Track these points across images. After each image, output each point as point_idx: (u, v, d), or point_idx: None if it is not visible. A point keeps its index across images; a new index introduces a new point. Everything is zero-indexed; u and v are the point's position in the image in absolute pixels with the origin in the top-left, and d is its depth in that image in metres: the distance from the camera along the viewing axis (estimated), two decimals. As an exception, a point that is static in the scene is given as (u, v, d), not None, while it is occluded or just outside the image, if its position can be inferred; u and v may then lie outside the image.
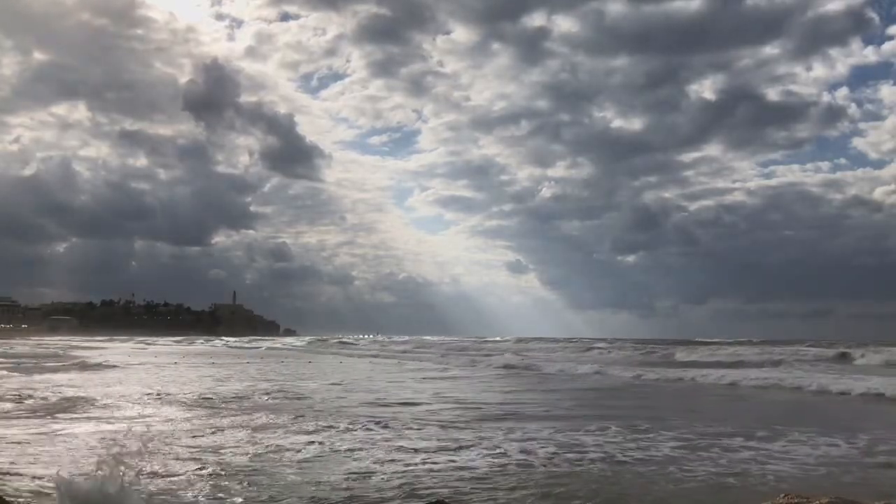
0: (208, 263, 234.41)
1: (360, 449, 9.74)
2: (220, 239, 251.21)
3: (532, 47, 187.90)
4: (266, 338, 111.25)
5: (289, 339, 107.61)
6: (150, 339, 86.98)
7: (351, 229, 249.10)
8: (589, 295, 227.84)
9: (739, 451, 9.88)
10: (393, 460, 9.03)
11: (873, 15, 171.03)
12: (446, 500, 6.86)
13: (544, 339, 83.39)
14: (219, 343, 77.54)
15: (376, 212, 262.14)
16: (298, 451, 9.51)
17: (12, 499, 6.67)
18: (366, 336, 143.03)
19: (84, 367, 28.99)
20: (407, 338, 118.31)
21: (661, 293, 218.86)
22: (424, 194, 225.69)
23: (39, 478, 7.52)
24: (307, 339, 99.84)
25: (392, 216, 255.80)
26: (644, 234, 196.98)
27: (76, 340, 78.17)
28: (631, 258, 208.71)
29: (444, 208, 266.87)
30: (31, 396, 15.71)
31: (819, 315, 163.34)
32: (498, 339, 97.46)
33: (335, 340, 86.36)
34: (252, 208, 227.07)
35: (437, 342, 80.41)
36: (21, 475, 7.68)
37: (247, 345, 73.24)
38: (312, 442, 10.17)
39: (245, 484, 7.60)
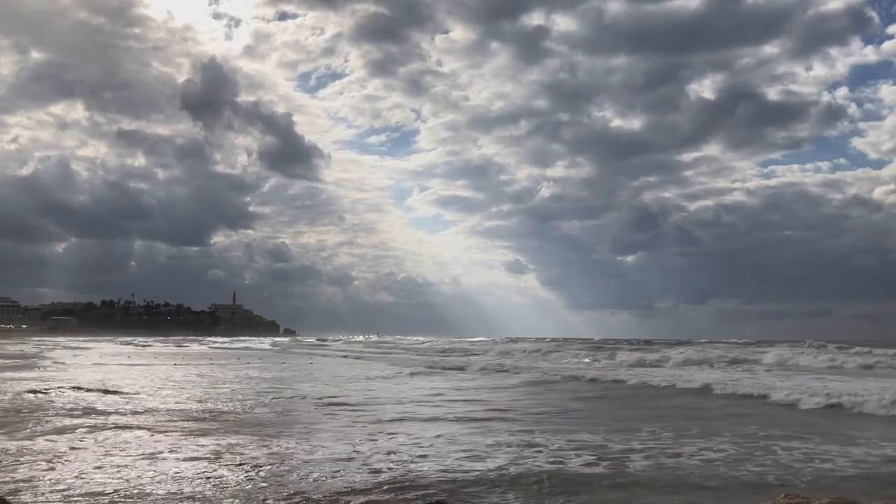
0: (207, 263, 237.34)
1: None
2: (219, 239, 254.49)
3: (531, 46, 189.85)
4: (253, 338, 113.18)
5: (276, 339, 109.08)
6: (138, 340, 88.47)
7: (350, 229, 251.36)
8: (588, 295, 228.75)
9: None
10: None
11: (873, 14, 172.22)
12: (446, 501, 7.04)
13: (531, 340, 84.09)
14: (198, 344, 78.40)
15: (375, 212, 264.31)
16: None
17: (12, 499, 7.00)
18: (363, 336, 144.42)
19: (29, 367, 29.84)
20: (397, 337, 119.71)
21: (660, 293, 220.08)
22: (423, 194, 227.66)
23: None
24: (287, 339, 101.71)
25: (391, 216, 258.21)
26: (643, 235, 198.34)
27: (65, 341, 79.60)
28: (630, 258, 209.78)
29: (443, 208, 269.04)
30: None
31: (819, 315, 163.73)
32: (484, 338, 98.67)
33: (311, 341, 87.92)
34: (251, 208, 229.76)
35: (416, 342, 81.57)
36: None
37: (229, 345, 74.58)
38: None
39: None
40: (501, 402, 16.97)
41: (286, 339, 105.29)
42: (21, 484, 7.65)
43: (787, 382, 20.24)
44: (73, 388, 18.47)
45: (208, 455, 9.42)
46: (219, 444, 10.22)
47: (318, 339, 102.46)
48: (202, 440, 10.59)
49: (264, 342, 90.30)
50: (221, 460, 9.11)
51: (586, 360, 36.92)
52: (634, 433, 11.58)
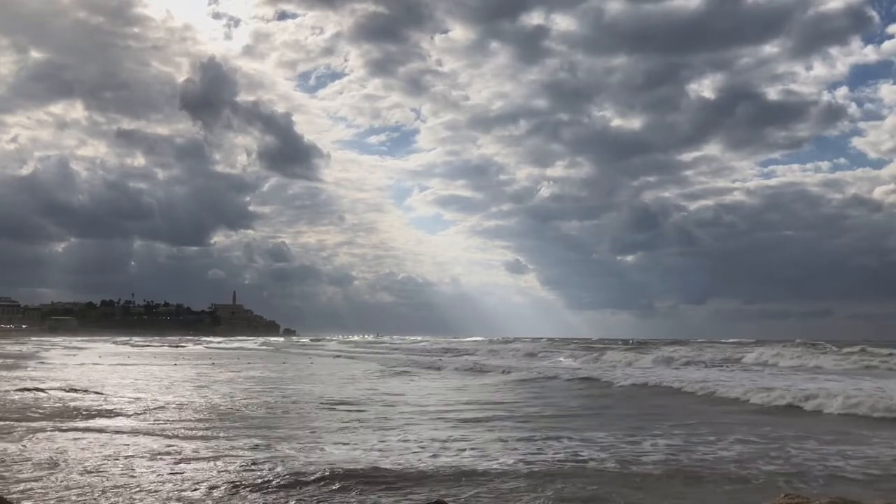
0: (207, 263, 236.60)
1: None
2: (218, 239, 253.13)
3: (530, 46, 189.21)
4: (250, 338, 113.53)
5: (270, 339, 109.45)
6: (133, 340, 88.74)
7: (350, 229, 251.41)
8: (588, 295, 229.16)
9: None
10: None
11: (873, 13, 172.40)
12: (446, 501, 6.96)
13: (527, 340, 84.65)
14: (193, 344, 78.53)
15: (375, 212, 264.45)
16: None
17: (12, 498, 6.89)
18: (358, 336, 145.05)
19: (24, 367, 30.06)
20: (395, 337, 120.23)
21: (660, 293, 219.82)
22: (423, 194, 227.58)
23: None
24: (281, 339, 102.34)
25: (391, 216, 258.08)
26: (643, 234, 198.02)
27: (62, 341, 79.81)
28: (630, 258, 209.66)
29: (443, 208, 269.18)
30: None
31: (819, 315, 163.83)
32: (479, 338, 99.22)
33: (304, 341, 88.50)
34: (251, 208, 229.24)
35: (411, 342, 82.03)
36: None
37: (225, 346, 75.03)
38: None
39: None
40: (493, 401, 17.38)
41: (280, 339, 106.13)
42: (19, 484, 7.73)
43: (765, 382, 20.44)
44: (68, 388, 18.58)
45: (207, 456, 9.51)
46: (216, 445, 10.30)
47: (311, 339, 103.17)
48: (198, 442, 10.68)
49: (258, 342, 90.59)
50: (218, 460, 9.22)
51: (570, 360, 37.34)
52: (597, 429, 11.81)
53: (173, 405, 15.58)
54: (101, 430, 11.61)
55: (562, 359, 37.85)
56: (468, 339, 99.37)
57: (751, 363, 31.10)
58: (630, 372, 26.58)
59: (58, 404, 15.11)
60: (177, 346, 67.54)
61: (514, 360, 38.24)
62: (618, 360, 35.63)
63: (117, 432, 11.52)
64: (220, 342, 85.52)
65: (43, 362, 33.92)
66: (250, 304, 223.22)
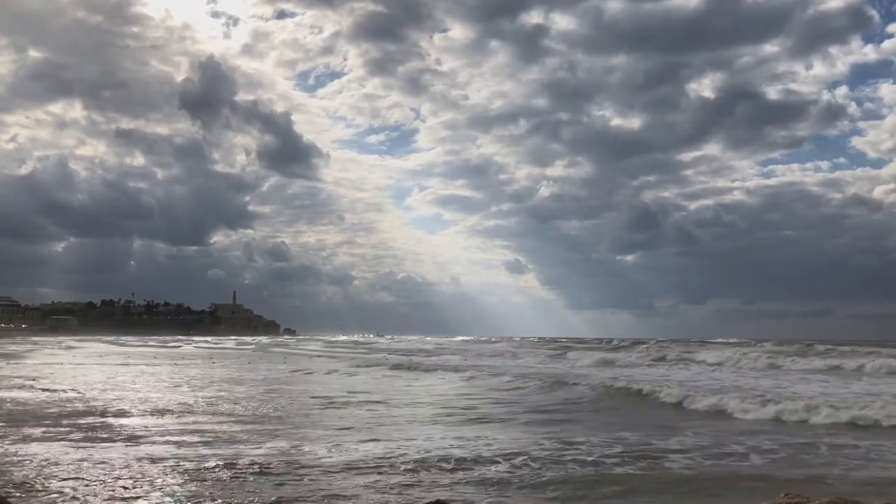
0: (207, 263, 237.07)
1: None
2: (218, 238, 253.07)
3: (530, 45, 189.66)
4: (238, 337, 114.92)
5: (259, 339, 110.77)
6: (122, 339, 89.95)
7: (350, 229, 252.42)
8: (588, 295, 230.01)
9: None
10: None
11: (873, 13, 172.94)
12: (447, 501, 7.00)
13: (516, 340, 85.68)
14: (184, 344, 79.37)
15: (375, 211, 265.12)
16: None
17: (12, 499, 6.94)
18: (346, 336, 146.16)
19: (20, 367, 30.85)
20: (389, 337, 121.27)
21: (660, 293, 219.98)
22: (423, 194, 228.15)
23: None
24: (270, 338, 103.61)
25: (391, 216, 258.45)
26: (643, 234, 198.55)
27: (52, 340, 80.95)
28: (630, 258, 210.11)
29: (442, 208, 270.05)
30: None
31: (819, 315, 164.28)
32: (467, 338, 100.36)
33: (293, 341, 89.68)
34: (250, 208, 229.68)
35: (397, 341, 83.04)
36: None
37: (217, 345, 76.19)
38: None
39: None
40: (479, 401, 18.32)
41: (265, 339, 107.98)
42: (14, 485, 7.76)
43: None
44: (62, 390, 18.95)
45: (200, 458, 9.49)
46: (212, 449, 10.21)
47: (297, 339, 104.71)
48: (183, 447, 10.50)
49: (235, 342, 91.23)
50: (210, 462, 9.16)
51: (540, 359, 38.31)
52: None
53: (114, 401, 16.21)
54: (104, 437, 11.31)
55: (529, 359, 38.87)
56: (458, 338, 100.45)
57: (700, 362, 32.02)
58: (580, 371, 27.55)
59: (57, 407, 15.03)
60: (166, 346, 68.57)
61: (480, 359, 39.36)
62: (584, 359, 36.76)
63: (114, 434, 11.55)
64: (207, 342, 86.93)
65: (43, 363, 34.18)
66: (250, 304, 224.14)
